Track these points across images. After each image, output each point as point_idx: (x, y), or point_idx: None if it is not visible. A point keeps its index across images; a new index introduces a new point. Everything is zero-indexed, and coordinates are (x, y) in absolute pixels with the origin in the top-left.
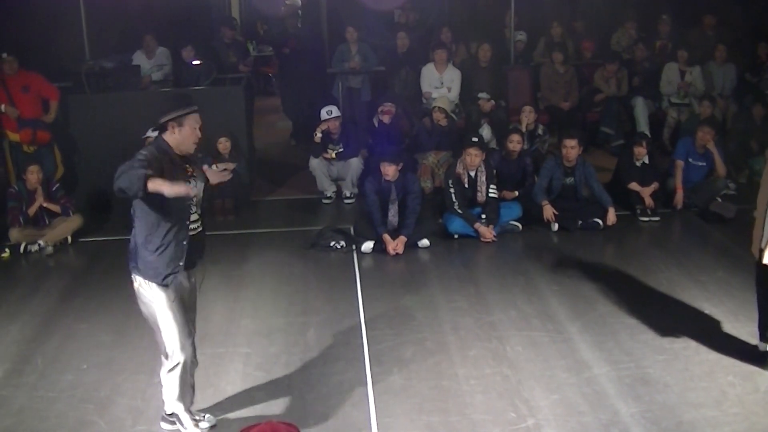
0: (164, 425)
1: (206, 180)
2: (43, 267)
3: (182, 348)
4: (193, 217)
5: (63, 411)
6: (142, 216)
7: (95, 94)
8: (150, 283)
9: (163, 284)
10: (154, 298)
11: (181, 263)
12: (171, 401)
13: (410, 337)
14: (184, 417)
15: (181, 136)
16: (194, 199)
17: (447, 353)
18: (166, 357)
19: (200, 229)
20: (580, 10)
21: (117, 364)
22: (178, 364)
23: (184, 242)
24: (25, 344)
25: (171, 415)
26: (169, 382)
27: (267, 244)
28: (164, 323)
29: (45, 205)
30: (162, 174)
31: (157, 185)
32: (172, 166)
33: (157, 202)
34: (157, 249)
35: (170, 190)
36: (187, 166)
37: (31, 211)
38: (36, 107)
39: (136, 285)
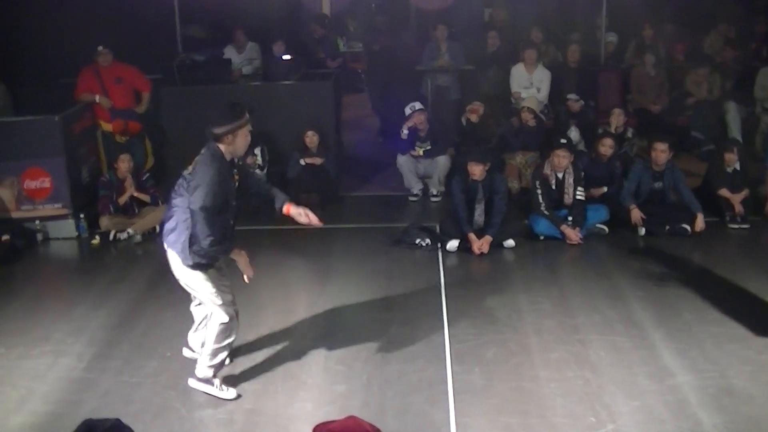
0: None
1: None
2: (131, 255)
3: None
4: None
5: (147, 396)
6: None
7: (186, 87)
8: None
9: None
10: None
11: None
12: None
13: (492, 337)
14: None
15: (235, 146)
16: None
17: (528, 355)
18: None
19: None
20: (673, 11)
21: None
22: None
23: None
24: (112, 330)
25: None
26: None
27: (352, 240)
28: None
29: (135, 194)
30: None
31: (236, 256)
32: (227, 174)
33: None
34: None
35: (243, 267)
36: (234, 173)
37: (122, 200)
38: (129, 98)
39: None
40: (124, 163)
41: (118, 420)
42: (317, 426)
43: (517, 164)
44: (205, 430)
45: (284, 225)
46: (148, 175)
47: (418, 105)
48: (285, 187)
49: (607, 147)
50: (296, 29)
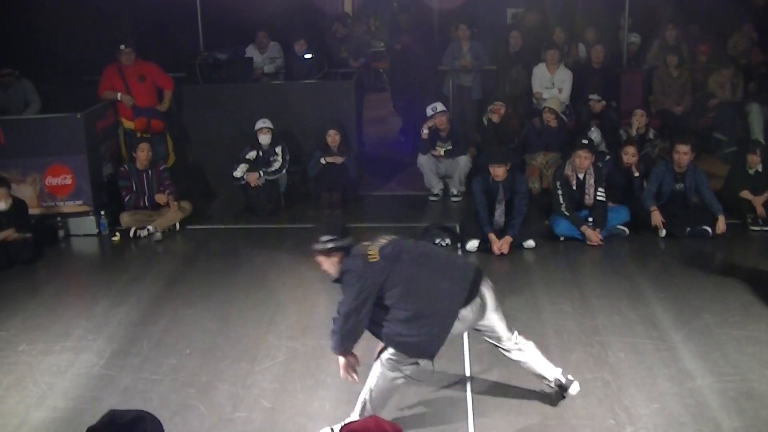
0: None
1: None
2: (152, 252)
3: None
4: None
5: (165, 393)
6: None
7: (208, 85)
8: None
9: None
10: None
11: None
12: None
13: None
14: None
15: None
16: None
17: (548, 355)
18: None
19: None
20: (696, 12)
21: (220, 351)
22: None
23: None
24: (132, 327)
25: None
26: None
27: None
28: None
29: (170, 202)
30: None
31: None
32: None
33: None
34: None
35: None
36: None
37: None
38: (151, 96)
39: None
40: (144, 152)
41: (141, 411)
42: (341, 428)
43: (539, 165)
44: (224, 428)
45: (304, 224)
46: (165, 166)
47: (440, 106)
48: (306, 186)
49: (629, 156)
50: (318, 28)
